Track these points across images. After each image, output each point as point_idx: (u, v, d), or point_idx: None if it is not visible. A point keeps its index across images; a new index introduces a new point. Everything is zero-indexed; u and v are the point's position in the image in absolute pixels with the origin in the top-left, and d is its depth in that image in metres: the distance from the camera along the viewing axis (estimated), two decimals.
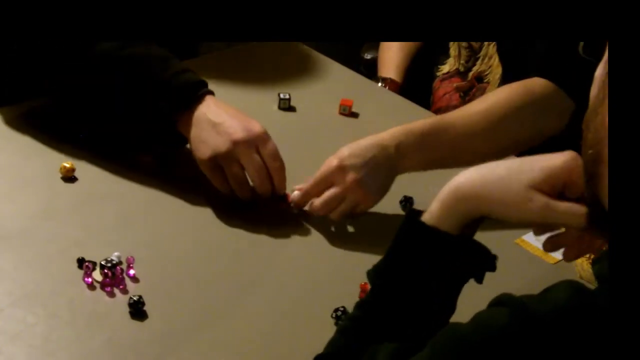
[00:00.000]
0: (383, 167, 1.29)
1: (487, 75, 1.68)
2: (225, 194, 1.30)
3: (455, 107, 1.68)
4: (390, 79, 1.83)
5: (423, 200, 1.36)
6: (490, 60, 1.66)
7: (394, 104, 1.67)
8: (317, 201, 1.28)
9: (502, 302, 0.80)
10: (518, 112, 1.37)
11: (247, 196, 1.29)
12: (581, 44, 1.35)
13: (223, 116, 1.28)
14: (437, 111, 1.72)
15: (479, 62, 1.69)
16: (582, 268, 1.24)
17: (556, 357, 0.74)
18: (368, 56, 2.04)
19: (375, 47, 2.01)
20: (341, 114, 1.59)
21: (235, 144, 1.26)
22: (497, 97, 1.39)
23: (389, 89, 1.79)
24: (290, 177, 1.39)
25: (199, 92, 1.31)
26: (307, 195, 1.29)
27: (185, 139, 1.31)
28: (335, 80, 1.73)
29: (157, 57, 1.33)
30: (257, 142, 1.27)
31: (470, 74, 1.70)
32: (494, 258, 0.92)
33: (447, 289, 0.92)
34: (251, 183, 1.29)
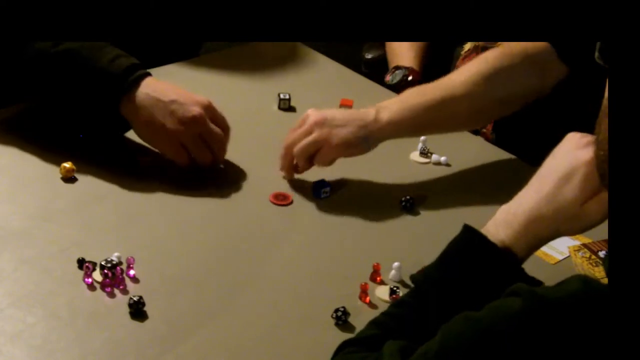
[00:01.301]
0: (357, 120, 1.35)
1: None
2: (183, 166, 1.35)
3: None
4: (411, 67, 1.82)
5: (423, 201, 1.36)
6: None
7: None
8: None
9: (515, 291, 0.80)
10: (497, 72, 1.39)
11: (207, 164, 1.35)
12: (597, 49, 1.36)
13: (171, 94, 1.33)
14: None
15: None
16: (582, 268, 1.24)
17: (568, 341, 0.75)
18: (369, 56, 2.04)
19: (376, 47, 2.01)
20: None
21: (195, 119, 1.32)
22: (478, 61, 1.41)
23: (412, 78, 1.78)
24: None
25: (135, 75, 1.33)
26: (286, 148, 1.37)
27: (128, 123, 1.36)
28: (335, 80, 1.73)
29: (91, 47, 1.35)
30: (210, 114, 1.34)
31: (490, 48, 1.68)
32: (539, 284, 0.94)
33: (486, 301, 0.93)
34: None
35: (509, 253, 0.94)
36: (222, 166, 1.39)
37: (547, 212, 0.95)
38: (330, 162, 1.37)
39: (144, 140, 1.36)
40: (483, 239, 0.94)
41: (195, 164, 1.35)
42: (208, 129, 1.33)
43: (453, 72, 1.43)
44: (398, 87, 1.75)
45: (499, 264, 0.93)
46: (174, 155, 1.35)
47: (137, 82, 1.33)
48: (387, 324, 0.94)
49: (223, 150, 1.37)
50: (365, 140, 1.35)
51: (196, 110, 1.32)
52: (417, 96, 1.39)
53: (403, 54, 1.87)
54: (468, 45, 1.74)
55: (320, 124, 1.35)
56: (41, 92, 1.38)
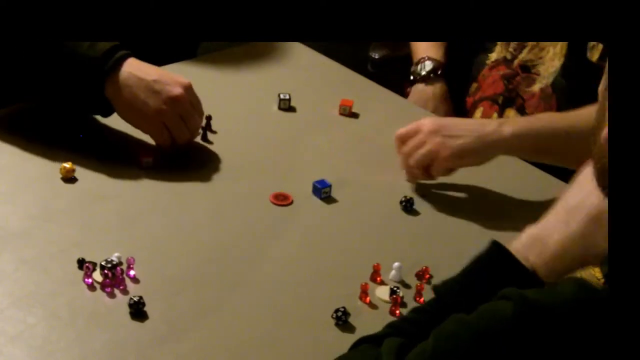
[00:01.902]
0: (473, 131, 1.33)
1: (535, 66, 1.65)
2: (164, 147, 1.37)
3: (500, 95, 1.67)
4: (441, 61, 1.80)
5: (423, 201, 1.36)
6: (542, 52, 1.64)
7: (394, 105, 1.67)
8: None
9: (505, 295, 0.80)
10: None
11: (184, 143, 1.38)
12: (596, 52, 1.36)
13: (153, 74, 1.36)
14: (482, 100, 1.71)
15: (526, 50, 1.66)
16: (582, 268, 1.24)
17: (560, 346, 0.75)
18: (376, 55, 2.03)
19: (383, 47, 2.00)
20: (341, 114, 1.59)
21: (178, 99, 1.35)
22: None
23: (441, 72, 1.77)
24: (289, 177, 1.40)
25: (117, 56, 1.35)
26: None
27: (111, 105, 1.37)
28: (335, 80, 1.73)
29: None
30: (190, 96, 1.37)
31: (516, 61, 1.67)
32: None
33: None
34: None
35: (535, 276, 0.94)
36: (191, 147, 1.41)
37: (578, 250, 0.94)
38: (447, 173, 1.36)
39: (126, 120, 1.38)
40: (512, 258, 0.94)
41: (174, 145, 1.38)
42: (189, 109, 1.37)
43: (586, 107, 1.38)
44: (425, 78, 1.75)
45: (525, 285, 0.92)
46: (156, 135, 1.37)
47: (119, 63, 1.35)
48: (404, 328, 0.93)
49: (197, 132, 1.41)
50: (480, 151, 1.34)
51: (178, 90, 1.35)
52: (545, 120, 1.39)
53: (429, 47, 1.85)
54: (494, 55, 1.73)
55: (434, 132, 1.34)
56: (28, 84, 1.39)
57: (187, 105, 1.36)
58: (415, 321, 0.94)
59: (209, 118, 1.46)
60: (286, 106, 1.59)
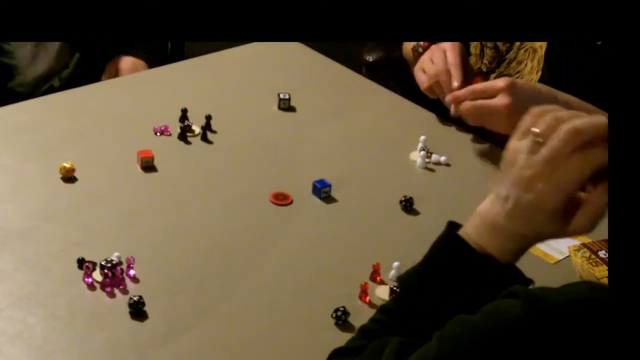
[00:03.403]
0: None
1: None
2: None
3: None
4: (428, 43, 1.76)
5: (423, 201, 1.36)
6: (520, 66, 1.64)
7: (393, 105, 1.67)
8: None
9: (512, 293, 0.79)
10: None
11: None
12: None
13: None
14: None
15: (504, 64, 1.66)
16: (582, 268, 1.24)
17: (569, 346, 0.74)
18: (370, 59, 2.03)
19: (378, 50, 2.00)
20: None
21: None
22: None
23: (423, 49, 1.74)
24: (289, 177, 1.40)
25: None
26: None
27: None
28: (335, 80, 1.73)
29: None
30: None
31: (493, 75, 1.67)
32: (530, 282, 0.90)
33: (477, 304, 0.90)
34: None
35: (489, 259, 0.89)
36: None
37: (516, 227, 0.88)
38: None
39: None
40: (464, 244, 0.90)
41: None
42: None
43: None
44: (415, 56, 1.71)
45: (481, 270, 0.88)
46: None
47: None
48: (373, 331, 0.92)
49: None
50: None
51: None
52: None
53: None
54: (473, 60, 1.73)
55: None
56: None
57: None
58: (383, 322, 0.92)
59: (209, 118, 1.46)
60: (286, 106, 1.59)
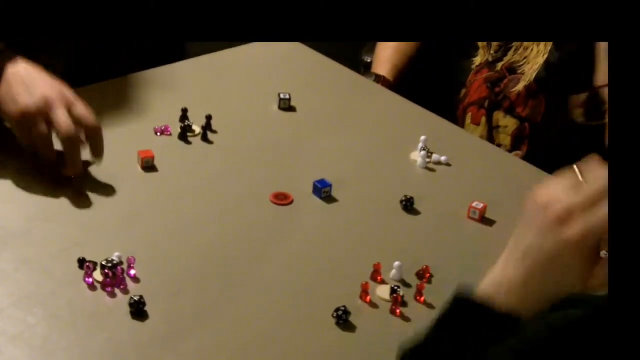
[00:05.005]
0: None
1: (521, 66, 1.65)
2: (30, 152, 1.30)
3: (485, 99, 1.67)
4: (383, 76, 1.82)
5: (424, 200, 1.36)
6: (527, 52, 1.64)
7: (394, 105, 1.67)
8: None
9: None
10: None
11: (51, 158, 1.29)
12: None
13: (34, 75, 1.29)
14: (470, 105, 1.71)
15: (511, 52, 1.66)
16: None
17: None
18: (368, 59, 2.04)
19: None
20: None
21: (46, 101, 1.25)
22: None
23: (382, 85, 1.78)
24: (290, 176, 1.40)
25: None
26: None
27: None
28: (335, 80, 1.73)
29: None
30: (68, 102, 1.28)
31: (500, 64, 1.67)
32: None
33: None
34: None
35: (511, 316, 0.85)
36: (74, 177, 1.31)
37: (536, 287, 0.84)
38: None
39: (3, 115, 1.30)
40: (481, 306, 0.85)
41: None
42: (57, 115, 1.25)
43: None
44: None
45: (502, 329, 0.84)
46: (18, 134, 1.29)
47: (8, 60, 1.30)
48: None
49: (69, 142, 1.27)
50: None
51: (49, 92, 1.26)
52: None
53: (381, 62, 1.87)
54: (478, 59, 1.73)
55: None
56: None
57: (58, 109, 1.25)
58: None
59: (209, 118, 1.46)
60: (286, 106, 1.59)
